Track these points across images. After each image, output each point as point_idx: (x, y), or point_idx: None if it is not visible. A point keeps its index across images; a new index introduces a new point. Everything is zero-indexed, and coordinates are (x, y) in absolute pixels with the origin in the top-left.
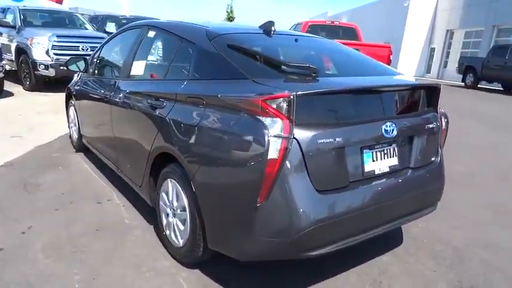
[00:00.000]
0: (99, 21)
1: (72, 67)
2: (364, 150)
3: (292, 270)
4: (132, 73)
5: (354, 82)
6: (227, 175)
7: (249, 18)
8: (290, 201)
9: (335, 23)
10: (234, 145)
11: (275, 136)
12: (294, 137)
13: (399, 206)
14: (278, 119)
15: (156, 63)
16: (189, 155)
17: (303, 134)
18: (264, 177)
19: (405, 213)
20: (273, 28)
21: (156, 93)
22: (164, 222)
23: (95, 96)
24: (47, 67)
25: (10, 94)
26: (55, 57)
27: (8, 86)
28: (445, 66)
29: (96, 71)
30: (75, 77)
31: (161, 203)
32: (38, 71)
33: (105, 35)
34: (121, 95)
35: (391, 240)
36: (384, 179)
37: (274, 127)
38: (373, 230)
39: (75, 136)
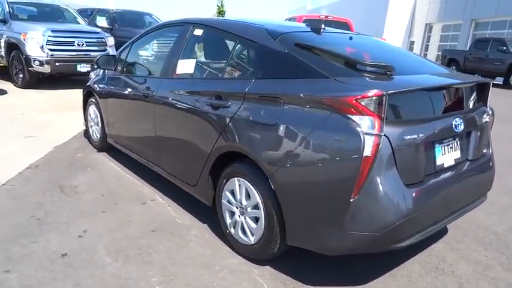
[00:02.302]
0: (88, 14)
1: (103, 65)
2: (436, 145)
3: (361, 260)
4: (178, 72)
5: (427, 80)
6: (316, 172)
7: (232, 11)
8: (381, 196)
9: (329, 17)
10: (325, 143)
11: (369, 134)
12: (384, 134)
13: (463, 197)
14: (370, 117)
15: (208, 61)
16: (267, 154)
17: (391, 131)
18: (359, 173)
19: (467, 203)
20: (322, 26)
21: (216, 92)
22: (228, 221)
23: (130, 95)
24: (41, 63)
25: (3, 92)
26: (50, 52)
27: None
28: None
29: (127, 69)
30: (93, 76)
31: (224, 201)
32: (32, 67)
33: (99, 30)
34: (167, 94)
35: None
36: (450, 172)
37: (368, 125)
38: (445, 220)
39: (96, 136)
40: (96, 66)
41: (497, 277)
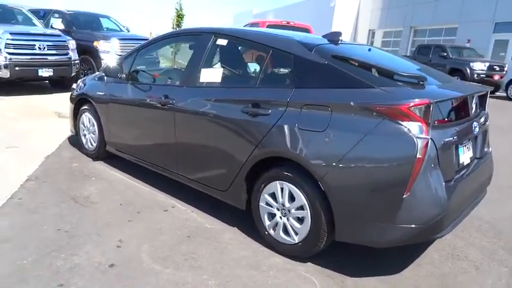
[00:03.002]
0: (41, 16)
1: (111, 74)
2: (459, 146)
3: (389, 253)
4: (202, 80)
5: (455, 90)
6: (370, 173)
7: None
8: (429, 192)
9: (290, 23)
10: (378, 146)
11: (420, 137)
12: (430, 138)
13: (475, 191)
14: (420, 123)
15: (238, 70)
16: (317, 158)
17: (435, 135)
18: (412, 173)
19: (477, 197)
20: (340, 38)
21: (253, 100)
22: (267, 222)
23: (141, 103)
24: None
25: None
26: (9, 56)
27: None
28: None
29: (135, 77)
30: (83, 83)
31: (262, 204)
32: None
33: (61, 33)
34: (191, 102)
35: None
36: (467, 169)
37: (418, 130)
38: (466, 212)
39: (91, 144)
40: (102, 75)
41: (503, 259)
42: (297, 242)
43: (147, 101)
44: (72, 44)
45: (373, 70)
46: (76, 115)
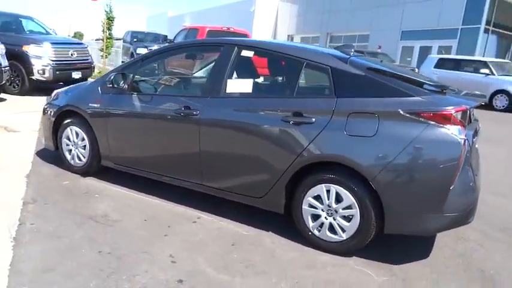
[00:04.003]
0: None
1: (119, 84)
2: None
3: (414, 239)
4: (228, 91)
5: (469, 99)
6: (419, 170)
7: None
8: (467, 183)
9: (230, 29)
10: (427, 147)
11: (462, 139)
12: (465, 138)
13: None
14: (459, 126)
15: (268, 82)
16: (369, 160)
17: (466, 136)
18: (457, 168)
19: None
20: (353, 51)
21: (294, 110)
22: (311, 224)
23: (154, 114)
24: None
25: None
26: None
27: None
28: None
29: (143, 88)
30: (66, 94)
31: (305, 207)
32: None
33: None
34: (219, 113)
35: None
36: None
37: (459, 131)
38: None
39: (79, 160)
40: (110, 86)
41: (497, 237)
42: (344, 238)
43: (162, 113)
44: (1, 48)
45: (406, 80)
46: (56, 129)
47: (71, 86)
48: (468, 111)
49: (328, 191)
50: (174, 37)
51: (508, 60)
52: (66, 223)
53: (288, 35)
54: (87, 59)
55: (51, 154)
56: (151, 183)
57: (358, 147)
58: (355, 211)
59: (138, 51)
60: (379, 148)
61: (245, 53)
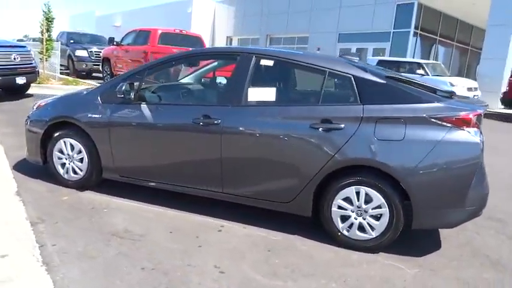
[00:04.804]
0: None
1: (129, 94)
2: None
3: (420, 234)
4: (250, 99)
5: (475, 104)
6: (445, 170)
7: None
8: (482, 179)
9: (183, 32)
10: (452, 148)
11: (479, 139)
12: (481, 139)
13: None
14: (476, 128)
15: (291, 90)
16: (399, 162)
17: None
18: (477, 166)
19: None
20: (357, 59)
21: (323, 117)
22: (340, 225)
23: (168, 123)
24: None
25: None
26: None
27: None
28: None
29: (151, 98)
30: (55, 105)
31: (334, 209)
32: None
33: None
34: (243, 121)
35: None
36: None
37: (476, 133)
38: None
39: (74, 173)
40: (121, 96)
41: (488, 225)
42: (374, 236)
43: (176, 122)
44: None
45: (421, 87)
46: (43, 141)
47: (57, 96)
48: (481, 115)
49: (357, 193)
50: (122, 39)
51: (439, 62)
52: (91, 241)
53: (227, 37)
54: (31, 63)
55: (32, 168)
56: (152, 193)
57: (388, 150)
58: (385, 210)
59: (77, 53)
60: (408, 151)
61: (265, 62)
